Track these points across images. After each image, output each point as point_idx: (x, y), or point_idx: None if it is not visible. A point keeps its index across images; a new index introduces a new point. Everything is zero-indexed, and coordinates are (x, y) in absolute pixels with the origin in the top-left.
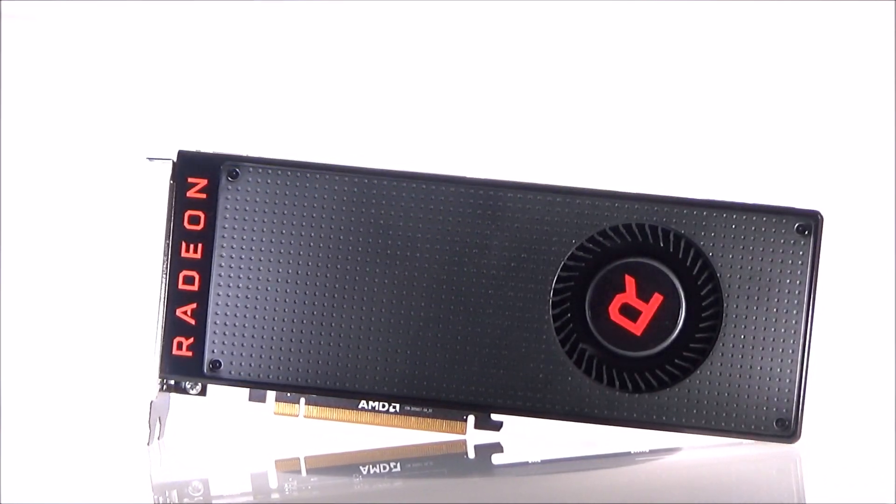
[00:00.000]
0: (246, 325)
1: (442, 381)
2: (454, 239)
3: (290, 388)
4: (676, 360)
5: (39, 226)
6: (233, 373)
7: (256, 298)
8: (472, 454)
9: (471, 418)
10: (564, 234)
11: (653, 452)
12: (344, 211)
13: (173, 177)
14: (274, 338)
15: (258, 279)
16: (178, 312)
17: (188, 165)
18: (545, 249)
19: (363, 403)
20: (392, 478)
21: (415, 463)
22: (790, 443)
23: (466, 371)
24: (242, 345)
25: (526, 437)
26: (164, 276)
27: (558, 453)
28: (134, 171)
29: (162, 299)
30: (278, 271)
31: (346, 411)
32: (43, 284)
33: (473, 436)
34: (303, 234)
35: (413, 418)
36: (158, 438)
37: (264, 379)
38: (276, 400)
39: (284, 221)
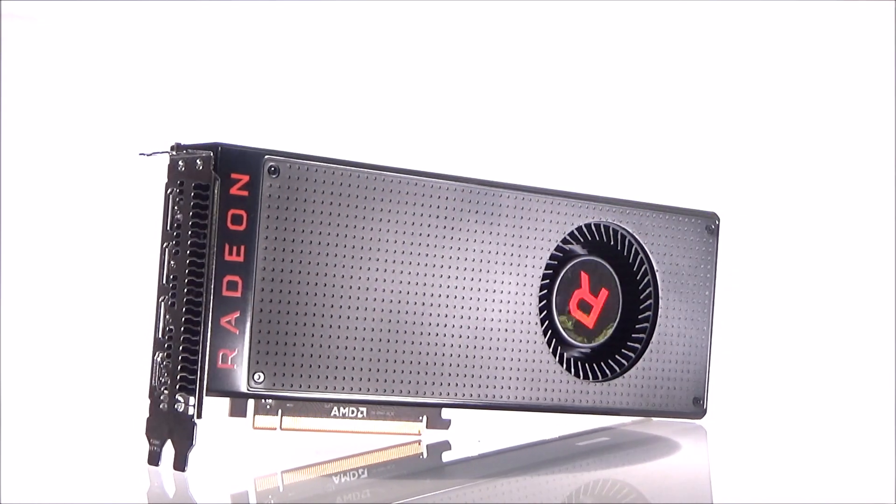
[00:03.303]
0: (288, 332)
1: (455, 383)
2: (461, 237)
3: (336, 402)
4: (623, 350)
5: (39, 223)
6: (276, 385)
7: (297, 304)
8: (425, 454)
9: (424, 418)
10: (550, 231)
11: (583, 435)
12: (375, 210)
13: (216, 170)
14: (322, 345)
15: (300, 283)
16: (223, 322)
17: (231, 160)
18: (534, 247)
19: (335, 410)
20: (362, 485)
21: (379, 468)
22: (700, 418)
23: (474, 370)
24: (285, 353)
25: (465, 433)
26: (209, 281)
27: (497, 445)
28: (130, 168)
29: (207, 307)
30: (317, 274)
31: (321, 419)
32: (48, 287)
33: (427, 435)
34: (339, 234)
35: (377, 422)
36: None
37: (309, 392)
38: (256, 413)
39: (322, 221)
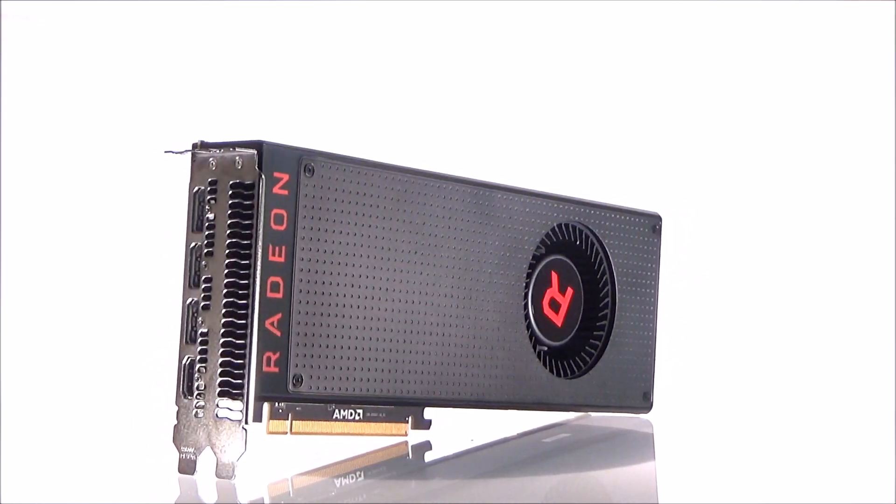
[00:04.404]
0: (324, 333)
1: (457, 382)
2: (466, 238)
3: (373, 401)
4: (587, 347)
5: (37, 224)
6: (313, 388)
7: (332, 304)
8: (411, 455)
9: (409, 418)
10: (533, 231)
11: (541, 432)
12: (395, 211)
13: (261, 168)
14: (352, 346)
15: (332, 283)
16: (267, 324)
17: (274, 159)
18: (521, 247)
19: (336, 413)
20: (360, 489)
21: (373, 470)
22: (648, 412)
23: (474, 369)
24: (321, 356)
25: (443, 433)
26: (255, 282)
27: (468, 444)
28: (151, 166)
29: (254, 309)
30: (347, 274)
31: (324, 422)
32: (47, 289)
33: (412, 435)
34: (365, 234)
35: (372, 423)
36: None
37: (347, 393)
38: (270, 418)
39: (350, 221)
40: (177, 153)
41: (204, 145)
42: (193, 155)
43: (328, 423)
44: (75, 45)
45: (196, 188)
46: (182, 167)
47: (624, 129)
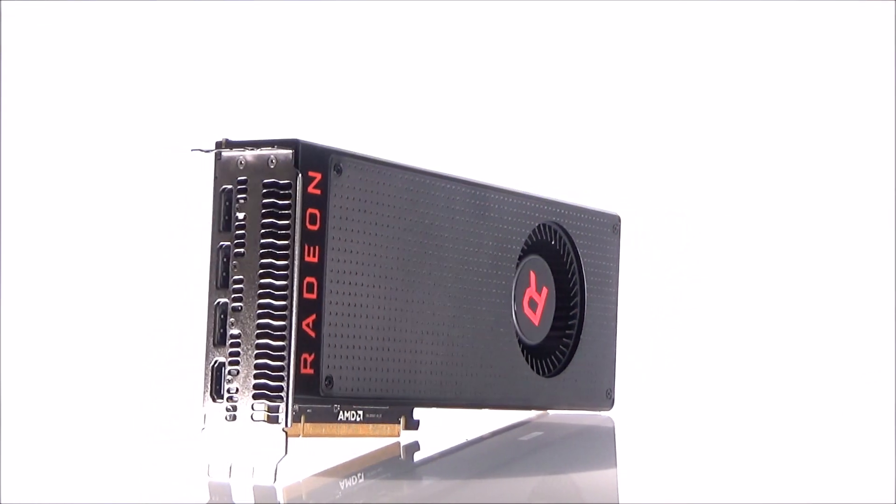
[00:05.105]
0: (349, 334)
1: (458, 382)
2: (465, 238)
3: (400, 402)
4: (561, 346)
5: (37, 225)
6: (341, 389)
7: (355, 305)
8: (403, 455)
9: (402, 419)
10: (520, 231)
11: (512, 429)
12: (411, 211)
13: (298, 167)
14: (374, 347)
15: (359, 284)
16: (304, 325)
17: (308, 158)
18: (508, 247)
19: (340, 415)
20: (360, 489)
21: (370, 471)
22: (609, 410)
23: (474, 369)
24: (351, 357)
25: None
26: (293, 283)
27: (449, 444)
28: (176, 164)
29: (292, 310)
30: (371, 275)
31: (331, 425)
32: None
33: (404, 436)
34: (387, 235)
35: (369, 425)
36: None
37: (365, 394)
38: None
39: (374, 222)
40: (204, 151)
41: (230, 144)
42: (218, 153)
43: (334, 425)
44: (90, 45)
45: (222, 187)
46: (184, 167)
47: (573, 126)
